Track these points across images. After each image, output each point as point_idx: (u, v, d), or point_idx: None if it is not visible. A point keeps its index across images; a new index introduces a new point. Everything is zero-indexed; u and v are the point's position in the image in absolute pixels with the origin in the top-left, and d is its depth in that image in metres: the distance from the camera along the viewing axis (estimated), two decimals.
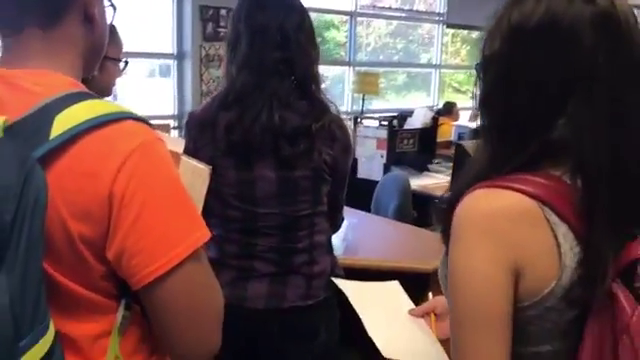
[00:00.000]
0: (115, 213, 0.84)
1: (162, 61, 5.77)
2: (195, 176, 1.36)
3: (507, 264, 0.80)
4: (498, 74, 0.87)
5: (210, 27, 5.67)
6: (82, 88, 0.90)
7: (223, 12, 5.69)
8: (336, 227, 1.89)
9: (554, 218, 0.81)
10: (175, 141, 1.45)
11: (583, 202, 0.81)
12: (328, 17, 7.17)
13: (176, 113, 5.75)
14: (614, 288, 0.79)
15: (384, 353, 1.11)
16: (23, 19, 0.88)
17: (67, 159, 0.82)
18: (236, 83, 1.59)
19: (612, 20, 0.82)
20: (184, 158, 1.40)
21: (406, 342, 1.18)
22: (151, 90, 6.03)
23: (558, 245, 0.80)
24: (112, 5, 0.99)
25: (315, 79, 1.64)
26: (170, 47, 5.74)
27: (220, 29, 5.71)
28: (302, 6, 1.66)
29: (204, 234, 0.90)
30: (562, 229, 0.81)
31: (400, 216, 3.46)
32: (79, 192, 0.83)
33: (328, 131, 1.62)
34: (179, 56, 5.77)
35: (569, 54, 0.82)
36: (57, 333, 0.81)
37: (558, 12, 0.82)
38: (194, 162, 1.44)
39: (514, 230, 0.80)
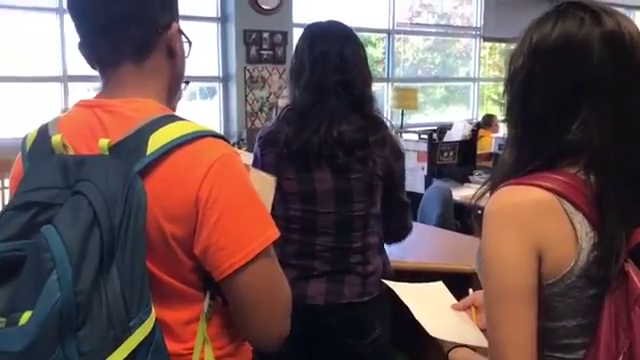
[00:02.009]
0: (200, 215, 0.99)
1: (203, 84, 6.03)
2: (263, 185, 1.53)
3: (530, 247, 0.94)
4: (521, 86, 1.02)
5: (253, 50, 5.91)
6: (169, 112, 1.06)
7: (265, 35, 5.93)
8: (405, 229, 2.03)
9: (570, 208, 0.94)
10: (245, 155, 1.63)
11: (595, 194, 0.94)
12: (365, 34, 7.32)
13: (222, 133, 5.95)
14: (626, 267, 0.92)
15: (431, 333, 1.24)
16: (119, 57, 1.06)
17: (161, 171, 0.98)
18: (298, 101, 1.80)
19: (617, 39, 0.95)
20: (253, 169, 1.58)
21: (450, 326, 1.31)
22: (195, 112, 6.27)
23: (575, 231, 0.94)
24: (188, 41, 1.15)
25: (370, 99, 1.84)
26: (215, 70, 6.01)
27: (263, 52, 5.95)
28: (357, 37, 1.88)
29: (274, 233, 1.05)
30: (578, 217, 0.94)
31: (443, 225, 3.58)
32: (171, 198, 0.99)
33: (382, 141, 1.81)
34: (225, 78, 6.02)
35: (581, 68, 0.96)
36: (156, 319, 0.96)
37: (571, 32, 0.97)
38: (262, 173, 1.62)
39: (535, 219, 0.94)
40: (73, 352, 0.84)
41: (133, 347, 0.89)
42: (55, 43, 5.04)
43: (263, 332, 1.08)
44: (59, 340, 0.83)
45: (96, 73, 1.10)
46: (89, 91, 5.11)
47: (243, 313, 1.06)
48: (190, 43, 1.16)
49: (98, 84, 1.14)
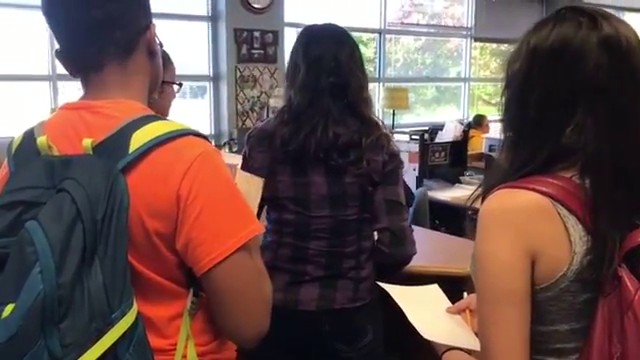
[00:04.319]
0: (181, 211, 1.01)
1: (194, 83, 5.99)
2: (250, 185, 1.53)
3: (523, 250, 0.94)
4: (517, 89, 1.02)
5: (244, 49, 5.88)
6: (151, 112, 1.08)
7: (256, 34, 5.90)
8: (394, 235, 1.85)
9: (564, 212, 0.94)
10: (232, 156, 1.65)
11: (590, 198, 0.94)
12: (356, 34, 7.31)
13: (213, 132, 5.95)
14: (620, 271, 0.92)
15: (424, 335, 1.24)
16: (104, 58, 1.07)
17: (143, 168, 1.00)
18: (293, 102, 1.79)
19: (614, 43, 0.95)
20: (240, 170, 1.58)
21: (444, 329, 1.30)
22: (186, 111, 6.23)
23: (568, 234, 0.94)
24: (160, 43, 1.17)
25: (365, 101, 1.82)
26: (206, 69, 5.97)
27: (254, 51, 5.92)
28: (353, 40, 1.87)
29: (255, 229, 1.06)
30: (571, 221, 0.94)
31: (416, 224, 3.64)
32: (153, 194, 1.00)
33: (377, 142, 1.79)
34: (215, 77, 5.99)
35: (576, 71, 0.96)
36: (139, 313, 0.97)
37: (568, 36, 0.97)
38: (248, 174, 1.61)
39: (529, 222, 0.94)
40: (55, 344, 0.86)
41: (114, 339, 0.91)
42: (44, 41, 4.99)
43: (240, 328, 1.09)
44: (41, 332, 0.85)
45: None
46: (80, 90, 5.04)
47: (221, 307, 1.07)
48: (161, 45, 1.18)
49: None
